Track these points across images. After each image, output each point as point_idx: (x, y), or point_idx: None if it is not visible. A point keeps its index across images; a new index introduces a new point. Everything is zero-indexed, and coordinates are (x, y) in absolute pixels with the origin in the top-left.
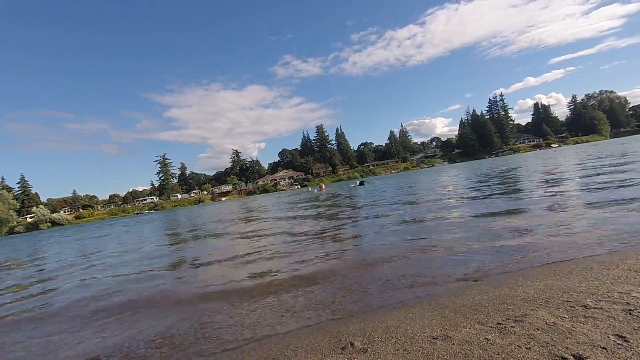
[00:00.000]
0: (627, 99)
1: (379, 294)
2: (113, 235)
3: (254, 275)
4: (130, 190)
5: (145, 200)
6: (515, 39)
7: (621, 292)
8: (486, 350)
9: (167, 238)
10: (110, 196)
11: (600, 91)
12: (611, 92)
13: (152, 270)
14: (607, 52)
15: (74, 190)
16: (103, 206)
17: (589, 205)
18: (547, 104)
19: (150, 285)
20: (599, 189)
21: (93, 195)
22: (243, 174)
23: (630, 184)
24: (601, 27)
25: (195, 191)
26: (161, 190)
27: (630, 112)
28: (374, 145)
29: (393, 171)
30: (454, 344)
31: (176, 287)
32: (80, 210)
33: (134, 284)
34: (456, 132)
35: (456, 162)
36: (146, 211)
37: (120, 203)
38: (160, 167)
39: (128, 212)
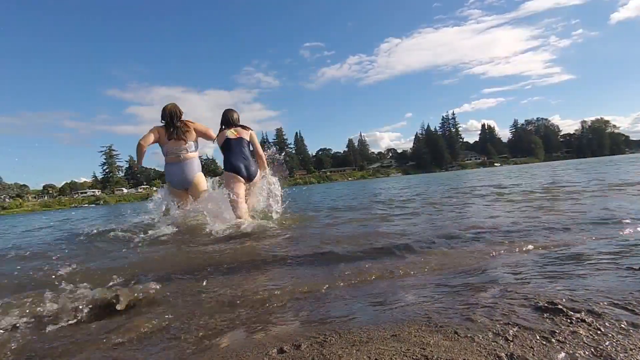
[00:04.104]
0: (560, 126)
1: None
2: None
3: None
4: (69, 181)
5: (85, 193)
6: (451, 71)
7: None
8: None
9: None
10: (44, 187)
11: (538, 118)
12: (546, 119)
13: None
14: (527, 90)
15: (0, 178)
16: (35, 197)
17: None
18: (492, 126)
19: None
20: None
21: (24, 185)
22: None
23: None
24: (522, 69)
25: (143, 186)
26: (104, 183)
27: (561, 139)
28: (332, 152)
29: (350, 178)
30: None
31: None
32: (7, 200)
33: None
34: (402, 146)
35: (409, 173)
36: (85, 205)
37: (55, 195)
38: (105, 159)
39: (64, 205)
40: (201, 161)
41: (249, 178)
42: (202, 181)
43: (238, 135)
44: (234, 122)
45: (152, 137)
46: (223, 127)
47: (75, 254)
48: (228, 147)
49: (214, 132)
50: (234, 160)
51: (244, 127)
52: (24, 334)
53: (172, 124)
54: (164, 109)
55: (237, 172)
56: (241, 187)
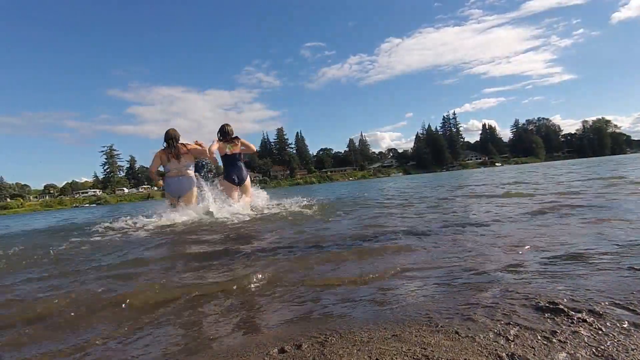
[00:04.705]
0: (561, 126)
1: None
2: None
3: None
4: (70, 181)
5: (86, 192)
6: (452, 71)
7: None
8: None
9: None
10: (45, 186)
11: (539, 118)
12: (547, 119)
13: None
14: (528, 90)
15: (2, 178)
16: (37, 197)
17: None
18: (493, 126)
19: None
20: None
21: (25, 184)
22: (198, 171)
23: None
24: (523, 69)
25: (144, 186)
26: (105, 183)
27: (562, 139)
28: (333, 152)
29: (350, 178)
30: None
31: None
32: (8, 200)
33: None
34: (403, 146)
35: (410, 173)
36: (87, 204)
37: (57, 194)
38: (106, 159)
39: (66, 205)
40: (203, 162)
41: (240, 183)
42: (194, 194)
43: (233, 151)
44: (229, 134)
45: (157, 162)
46: (220, 137)
47: None
48: (226, 161)
49: (207, 147)
50: (230, 171)
51: (236, 138)
52: None
53: (172, 146)
54: (165, 133)
55: (232, 182)
56: (234, 191)
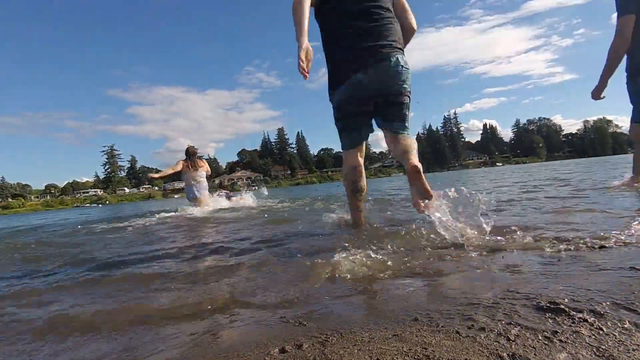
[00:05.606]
0: (562, 126)
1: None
2: None
3: None
4: (71, 180)
5: (87, 192)
6: (452, 71)
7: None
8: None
9: None
10: (46, 186)
11: (539, 118)
12: (548, 119)
13: None
14: (529, 89)
15: (3, 178)
16: (37, 197)
17: None
18: (494, 126)
19: None
20: None
21: (26, 184)
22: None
23: None
24: (523, 68)
25: (145, 186)
26: (106, 183)
27: (563, 139)
28: (333, 152)
29: None
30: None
31: None
32: (9, 200)
33: None
34: None
35: None
36: (87, 204)
37: (58, 194)
38: (107, 159)
39: (67, 205)
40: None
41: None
42: (207, 198)
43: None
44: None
45: (180, 166)
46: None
47: None
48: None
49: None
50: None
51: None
52: None
53: (191, 159)
54: (187, 149)
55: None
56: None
